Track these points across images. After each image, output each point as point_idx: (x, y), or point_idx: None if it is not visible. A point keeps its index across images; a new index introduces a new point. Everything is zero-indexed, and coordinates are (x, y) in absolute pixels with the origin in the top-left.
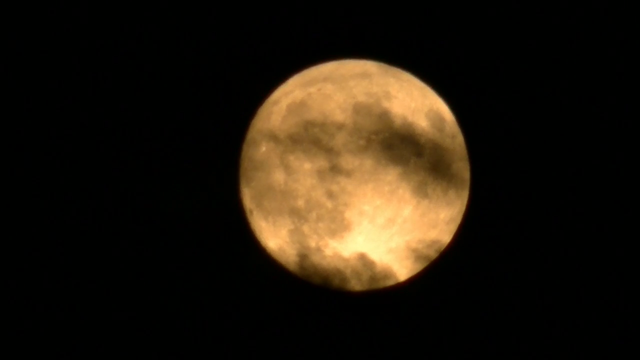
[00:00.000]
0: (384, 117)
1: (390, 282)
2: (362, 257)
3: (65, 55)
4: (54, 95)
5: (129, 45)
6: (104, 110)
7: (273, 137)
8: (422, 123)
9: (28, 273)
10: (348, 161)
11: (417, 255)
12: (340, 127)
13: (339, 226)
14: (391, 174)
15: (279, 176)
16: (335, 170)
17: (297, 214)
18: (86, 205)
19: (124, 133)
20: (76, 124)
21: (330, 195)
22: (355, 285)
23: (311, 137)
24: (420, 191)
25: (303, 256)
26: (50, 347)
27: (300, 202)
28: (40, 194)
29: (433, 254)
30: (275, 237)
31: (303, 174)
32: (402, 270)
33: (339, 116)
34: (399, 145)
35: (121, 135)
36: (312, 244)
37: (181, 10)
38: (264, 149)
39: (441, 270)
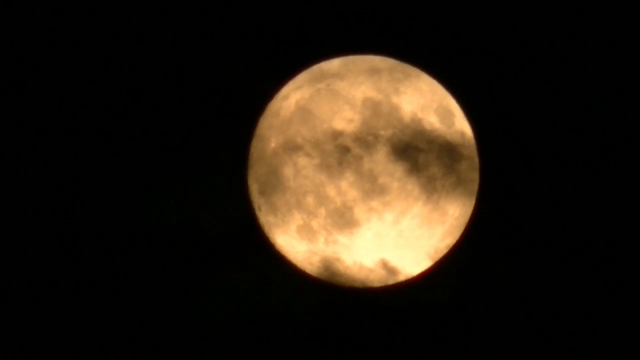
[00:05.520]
0: (393, 112)
1: (400, 279)
2: (385, 265)
3: (71, 58)
4: (58, 98)
5: (137, 39)
6: (110, 99)
7: (282, 133)
8: (431, 119)
9: (36, 282)
10: (357, 157)
11: (427, 251)
12: (349, 122)
13: (347, 222)
14: (400, 170)
15: (287, 172)
16: (344, 166)
17: (305, 210)
18: (90, 203)
19: (129, 129)
20: (81, 126)
21: (339, 191)
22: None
23: (320, 133)
24: (429, 187)
25: (326, 264)
26: (63, 352)
27: (309, 198)
28: (42, 197)
29: (443, 249)
30: (283, 233)
31: (312, 170)
32: (411, 266)
33: (348, 112)
34: (407, 141)
35: (126, 131)
36: (321, 239)
37: (189, 6)
38: (272, 144)
39: (451, 267)
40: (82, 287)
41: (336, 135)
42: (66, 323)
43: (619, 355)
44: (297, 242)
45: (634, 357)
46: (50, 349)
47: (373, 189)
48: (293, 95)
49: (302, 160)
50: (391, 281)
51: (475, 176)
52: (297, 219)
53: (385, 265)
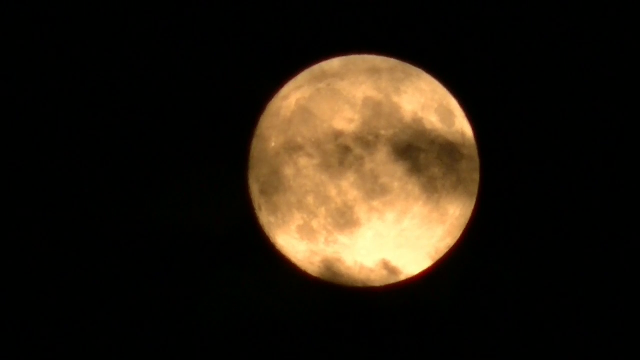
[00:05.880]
0: (394, 112)
1: (400, 278)
2: (386, 265)
3: (71, 58)
4: (59, 98)
5: (138, 39)
6: (112, 99)
7: (282, 133)
8: (431, 118)
9: (37, 282)
10: (357, 157)
11: (427, 251)
12: (349, 122)
13: (348, 222)
14: (401, 170)
15: (288, 172)
16: (344, 165)
17: (306, 210)
18: (91, 203)
19: (130, 129)
20: (81, 125)
21: (340, 191)
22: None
23: (320, 133)
24: (430, 187)
25: (327, 264)
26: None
27: (310, 198)
28: (42, 197)
29: (443, 249)
30: (284, 233)
31: (313, 170)
32: (412, 266)
33: (348, 112)
34: (408, 141)
35: (127, 131)
36: (322, 239)
37: (190, 6)
38: (273, 144)
39: (451, 267)
40: (82, 288)
41: (337, 135)
42: (66, 323)
43: (619, 355)
44: (298, 242)
45: (634, 357)
46: (52, 349)
47: (374, 188)
48: (293, 95)
49: (303, 160)
50: (392, 281)
51: (475, 176)
52: (298, 218)
53: (386, 265)
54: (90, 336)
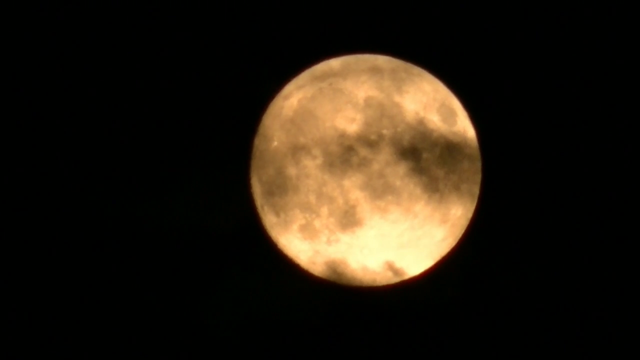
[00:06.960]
0: (396, 112)
1: (403, 278)
2: (387, 264)
3: (72, 57)
4: (60, 99)
5: (140, 38)
6: (114, 98)
7: (285, 132)
8: (433, 118)
9: (38, 283)
10: (359, 156)
11: (429, 251)
12: (351, 122)
13: (350, 221)
14: (402, 169)
15: (290, 171)
16: (346, 165)
17: (308, 210)
18: (91, 203)
19: (130, 129)
20: (87, 122)
21: (342, 190)
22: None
23: (323, 132)
24: (432, 186)
25: (330, 264)
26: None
27: (312, 198)
28: (46, 199)
29: (445, 249)
30: (286, 232)
31: (315, 169)
32: (413, 266)
33: (350, 111)
34: (410, 140)
35: (127, 131)
36: (324, 239)
37: (192, 5)
38: (275, 143)
39: (453, 266)
40: (83, 289)
41: (339, 134)
42: (68, 324)
43: (619, 355)
44: (300, 242)
45: (634, 357)
46: (54, 350)
47: (376, 188)
48: (295, 94)
49: (305, 160)
50: (393, 281)
51: (477, 176)
52: (300, 218)
53: (390, 267)
54: (92, 337)
